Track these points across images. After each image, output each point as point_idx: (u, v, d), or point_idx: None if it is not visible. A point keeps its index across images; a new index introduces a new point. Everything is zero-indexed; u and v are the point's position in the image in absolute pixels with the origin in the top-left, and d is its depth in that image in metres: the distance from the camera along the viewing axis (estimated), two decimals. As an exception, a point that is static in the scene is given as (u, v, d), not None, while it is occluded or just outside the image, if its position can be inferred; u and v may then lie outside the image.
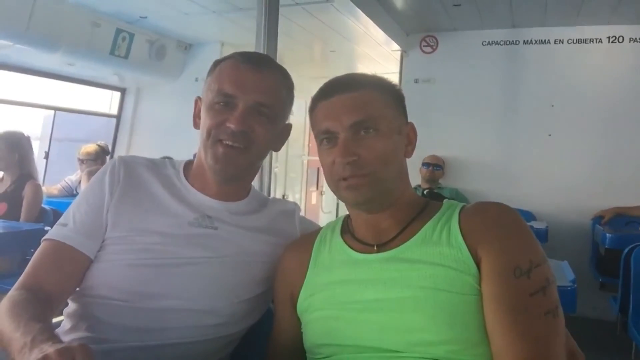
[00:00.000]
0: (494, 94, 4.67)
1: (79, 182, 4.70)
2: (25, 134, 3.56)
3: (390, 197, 1.04)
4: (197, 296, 1.11)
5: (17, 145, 3.44)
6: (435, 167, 4.54)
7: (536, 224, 3.89)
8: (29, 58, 4.31)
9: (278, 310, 1.18)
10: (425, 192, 4.22)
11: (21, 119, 4.99)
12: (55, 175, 5.04)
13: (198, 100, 1.22)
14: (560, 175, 4.38)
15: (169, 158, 1.36)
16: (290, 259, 1.17)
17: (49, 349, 0.77)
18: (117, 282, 1.09)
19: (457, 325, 0.91)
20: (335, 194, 1.07)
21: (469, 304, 0.92)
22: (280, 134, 1.24)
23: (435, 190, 4.26)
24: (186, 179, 1.23)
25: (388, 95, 1.06)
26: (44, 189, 4.83)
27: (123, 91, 5.63)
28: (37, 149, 5.16)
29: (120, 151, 5.66)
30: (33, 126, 5.34)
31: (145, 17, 4.48)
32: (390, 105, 1.05)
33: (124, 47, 4.60)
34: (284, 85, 1.20)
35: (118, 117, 5.66)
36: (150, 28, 4.77)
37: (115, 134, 5.65)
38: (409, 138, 1.09)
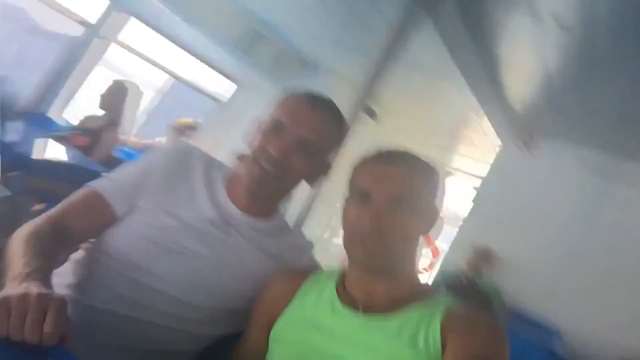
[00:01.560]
0: (576, 218, 4.38)
1: (163, 146, 5.00)
2: (139, 88, 3.86)
3: (395, 267, 1.08)
4: (186, 288, 1.15)
5: (122, 93, 3.75)
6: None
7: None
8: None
9: (250, 329, 1.19)
10: (462, 275, 4.07)
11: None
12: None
13: (258, 121, 1.27)
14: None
15: None
16: (280, 283, 1.19)
17: (34, 289, 0.82)
18: (126, 249, 1.16)
19: None
20: (344, 246, 1.09)
21: None
22: (316, 171, 1.27)
23: (472, 278, 4.09)
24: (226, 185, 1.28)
25: (432, 181, 1.10)
26: (133, 138, 5.19)
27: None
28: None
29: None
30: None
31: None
32: (431, 192, 1.09)
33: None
34: (334, 128, 1.24)
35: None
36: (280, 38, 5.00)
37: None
38: (431, 223, 1.11)
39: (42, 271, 0.94)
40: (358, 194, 1.07)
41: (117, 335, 1.11)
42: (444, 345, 0.96)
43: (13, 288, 0.83)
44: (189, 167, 1.26)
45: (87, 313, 1.10)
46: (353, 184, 1.10)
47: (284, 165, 1.17)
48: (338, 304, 1.09)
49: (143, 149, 4.98)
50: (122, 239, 1.17)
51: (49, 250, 1.04)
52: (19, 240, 1.03)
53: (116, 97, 3.73)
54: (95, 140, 3.64)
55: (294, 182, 1.24)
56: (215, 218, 1.22)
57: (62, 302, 0.83)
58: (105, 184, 1.21)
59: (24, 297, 0.79)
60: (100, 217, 1.18)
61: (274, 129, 1.19)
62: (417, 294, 1.08)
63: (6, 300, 0.78)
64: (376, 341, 1.00)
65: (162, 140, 5.11)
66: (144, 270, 1.14)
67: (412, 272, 1.13)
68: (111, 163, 3.67)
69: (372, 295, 1.07)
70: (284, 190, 1.22)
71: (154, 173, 1.23)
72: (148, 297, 1.13)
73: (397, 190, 1.04)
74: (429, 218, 1.10)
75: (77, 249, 1.22)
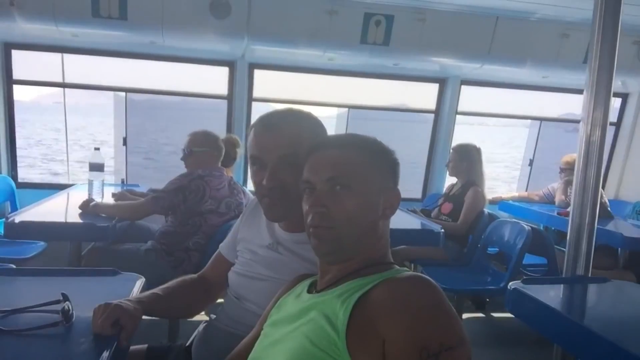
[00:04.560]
0: None
1: (555, 190, 4.74)
2: (477, 146, 4.03)
3: (349, 253, 1.05)
4: (264, 304, 1.29)
5: (467, 155, 3.95)
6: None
7: None
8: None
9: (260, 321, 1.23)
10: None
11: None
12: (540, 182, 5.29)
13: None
14: None
15: None
16: (290, 283, 1.24)
17: (114, 302, 1.20)
18: (231, 283, 1.50)
19: None
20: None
21: None
22: None
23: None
24: None
25: (375, 159, 1.07)
26: (525, 193, 5.19)
27: (625, 96, 5.27)
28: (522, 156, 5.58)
29: (618, 159, 5.36)
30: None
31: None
32: (374, 169, 1.06)
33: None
34: (298, 131, 1.29)
35: (618, 123, 5.36)
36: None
37: (613, 141, 5.38)
38: (390, 203, 1.08)
39: (146, 297, 1.35)
40: (304, 187, 1.08)
41: (223, 348, 1.30)
42: (362, 326, 0.89)
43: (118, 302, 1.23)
44: (259, 212, 1.45)
45: (212, 329, 1.47)
46: (302, 176, 1.10)
47: (281, 187, 1.28)
48: (304, 292, 1.11)
49: (544, 200, 4.81)
50: (230, 277, 1.50)
51: (174, 290, 1.47)
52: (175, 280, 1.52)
53: (467, 157, 3.91)
54: (458, 203, 3.88)
55: (300, 192, 1.21)
56: (270, 242, 1.42)
57: (134, 313, 1.21)
58: (223, 243, 1.61)
59: (104, 305, 1.20)
60: (224, 267, 1.56)
61: (254, 164, 1.32)
62: (365, 269, 1.03)
63: (99, 307, 1.20)
64: (306, 318, 0.99)
65: (554, 186, 4.79)
66: (242, 297, 1.43)
67: (367, 252, 1.06)
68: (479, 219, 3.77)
69: (325, 276, 1.08)
70: (298, 202, 1.19)
71: (241, 225, 1.55)
72: (244, 316, 1.37)
73: (331, 171, 1.03)
74: (385, 199, 1.06)
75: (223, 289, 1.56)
